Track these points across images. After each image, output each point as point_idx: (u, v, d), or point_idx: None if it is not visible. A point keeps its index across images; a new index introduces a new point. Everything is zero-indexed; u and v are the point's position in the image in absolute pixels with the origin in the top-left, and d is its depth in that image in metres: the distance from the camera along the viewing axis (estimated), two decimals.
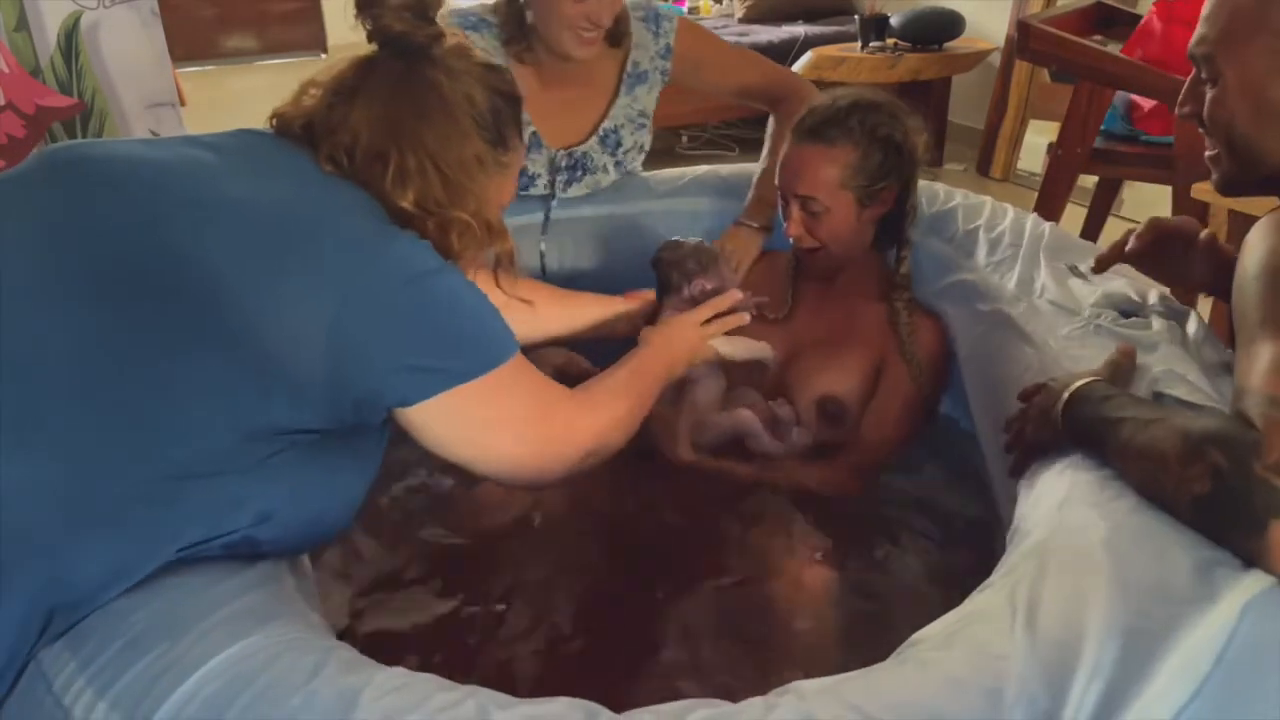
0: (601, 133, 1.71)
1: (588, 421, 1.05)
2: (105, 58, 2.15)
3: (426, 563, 1.30)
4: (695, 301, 1.38)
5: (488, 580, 1.25)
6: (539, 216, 1.73)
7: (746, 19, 4.57)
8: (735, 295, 1.36)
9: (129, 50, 2.17)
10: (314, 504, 0.91)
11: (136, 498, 0.79)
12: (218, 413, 0.81)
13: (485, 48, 1.56)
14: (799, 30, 4.21)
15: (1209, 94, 0.97)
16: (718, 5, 5.08)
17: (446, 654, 1.12)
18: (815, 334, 1.49)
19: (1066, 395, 0.92)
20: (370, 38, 0.98)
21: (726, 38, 4.50)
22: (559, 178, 1.71)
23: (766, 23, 4.46)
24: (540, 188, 1.71)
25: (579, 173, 1.73)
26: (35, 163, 0.91)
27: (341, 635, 0.84)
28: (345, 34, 1.01)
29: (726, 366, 1.43)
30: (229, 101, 5.76)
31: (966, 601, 0.76)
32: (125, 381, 0.79)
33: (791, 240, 1.45)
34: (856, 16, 3.99)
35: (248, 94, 6.05)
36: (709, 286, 1.42)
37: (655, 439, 1.38)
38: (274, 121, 1.00)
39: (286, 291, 0.82)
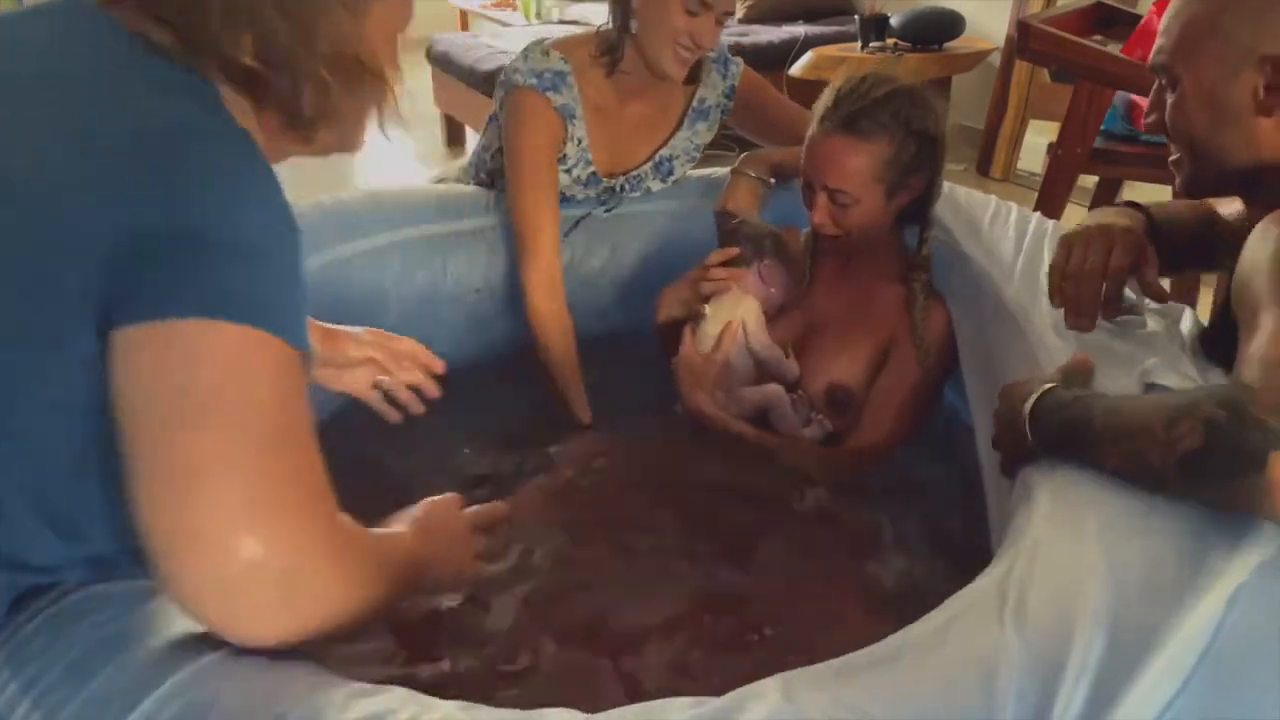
0: (657, 159, 1.78)
1: (335, 540, 0.69)
2: None
3: None
4: (761, 279, 1.47)
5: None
6: (567, 214, 1.77)
7: (747, 19, 4.57)
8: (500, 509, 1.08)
9: None
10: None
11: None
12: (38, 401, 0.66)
13: (567, 102, 1.61)
14: (799, 30, 4.21)
15: (1169, 101, 1.00)
16: None
17: (421, 666, 1.09)
18: (829, 315, 1.50)
19: (1028, 410, 0.92)
20: None
21: (727, 37, 4.46)
22: (611, 199, 1.78)
23: (766, 23, 4.46)
24: (583, 198, 1.78)
25: (625, 193, 1.80)
26: None
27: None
28: None
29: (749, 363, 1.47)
30: None
31: (957, 595, 0.77)
32: None
33: (816, 228, 1.45)
34: (856, 16, 3.99)
35: None
36: (773, 269, 1.49)
37: (682, 385, 1.43)
38: None
39: (55, 221, 0.65)
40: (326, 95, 0.76)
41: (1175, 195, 1.10)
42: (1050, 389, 0.93)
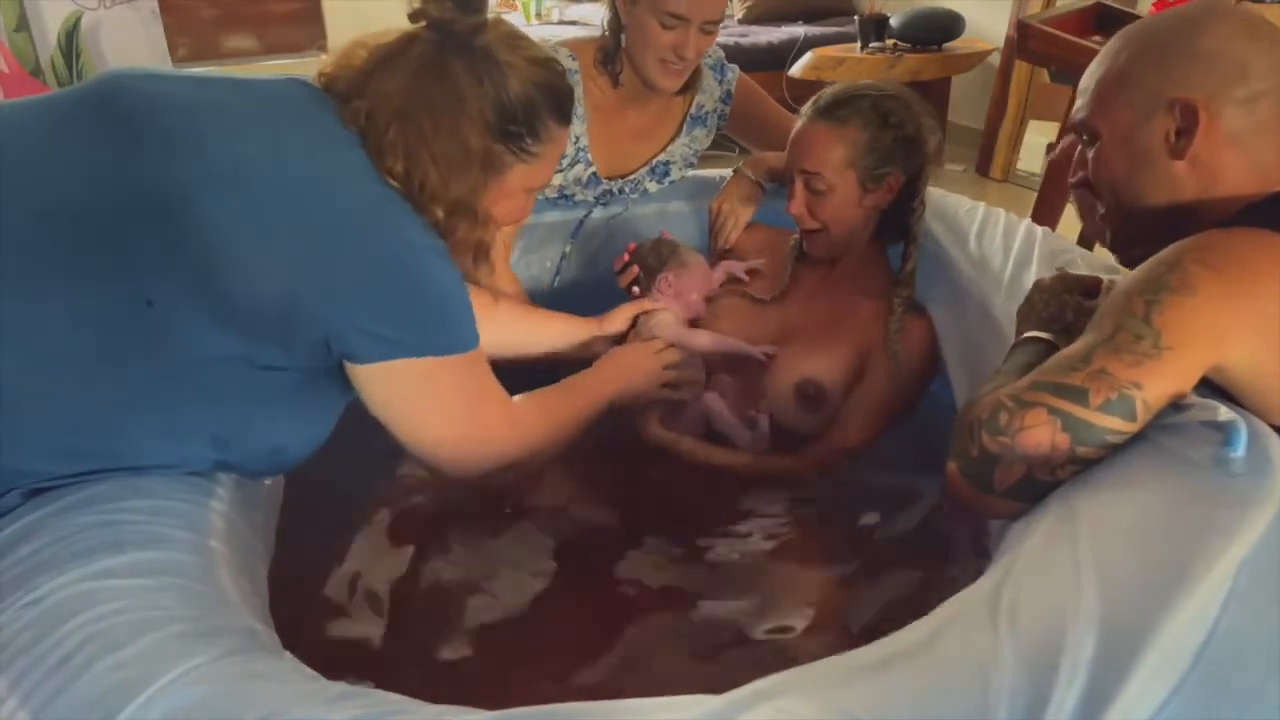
0: (654, 164, 1.79)
1: (511, 433, 1.10)
2: (106, 58, 2.16)
3: (379, 564, 1.27)
4: (662, 292, 1.49)
5: (448, 580, 1.23)
6: (569, 216, 1.79)
7: (746, 19, 4.57)
8: (643, 305, 1.48)
9: (129, 50, 2.18)
10: (273, 435, 0.99)
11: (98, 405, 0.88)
12: (168, 334, 0.87)
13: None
14: (799, 30, 4.21)
15: (1090, 155, 1.03)
16: None
17: (408, 669, 1.10)
18: (805, 320, 1.50)
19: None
20: (412, 18, 1.00)
21: (726, 39, 4.46)
22: (609, 200, 1.80)
23: (766, 23, 4.46)
24: (582, 197, 1.79)
25: (623, 195, 1.81)
26: (93, 88, 0.95)
27: (292, 645, 0.81)
28: (345, 34, 1.01)
29: (709, 358, 1.49)
30: None
31: (949, 600, 0.76)
32: (99, 299, 0.86)
33: (794, 219, 1.47)
34: (856, 17, 3.99)
35: None
36: (671, 278, 1.49)
37: (634, 417, 1.45)
38: (321, 77, 1.03)
39: (266, 239, 0.88)
40: (444, 224, 1.00)
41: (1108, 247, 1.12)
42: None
